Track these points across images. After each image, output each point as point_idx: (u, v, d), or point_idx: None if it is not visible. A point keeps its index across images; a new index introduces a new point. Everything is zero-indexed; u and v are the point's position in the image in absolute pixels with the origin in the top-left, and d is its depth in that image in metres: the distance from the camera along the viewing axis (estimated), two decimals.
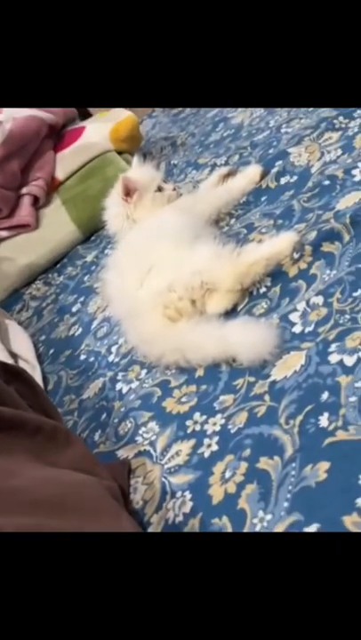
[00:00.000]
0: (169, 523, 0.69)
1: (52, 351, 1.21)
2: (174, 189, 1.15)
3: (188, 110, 1.92)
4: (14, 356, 1.18)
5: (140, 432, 0.83)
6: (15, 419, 0.72)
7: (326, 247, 0.84)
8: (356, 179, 0.93)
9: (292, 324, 0.78)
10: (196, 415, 0.78)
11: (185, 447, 0.75)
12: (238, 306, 0.88)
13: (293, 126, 1.22)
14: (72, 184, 1.60)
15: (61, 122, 1.70)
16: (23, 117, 1.55)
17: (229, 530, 0.62)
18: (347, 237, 0.83)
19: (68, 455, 0.74)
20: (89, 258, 1.47)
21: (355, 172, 0.94)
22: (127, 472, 0.78)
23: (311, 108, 1.23)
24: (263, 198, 1.08)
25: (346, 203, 0.89)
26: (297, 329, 0.77)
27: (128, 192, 1.10)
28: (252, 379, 0.76)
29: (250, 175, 1.13)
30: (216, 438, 0.73)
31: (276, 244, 0.86)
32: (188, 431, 0.77)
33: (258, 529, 0.60)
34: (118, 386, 0.95)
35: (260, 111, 1.44)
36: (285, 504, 0.60)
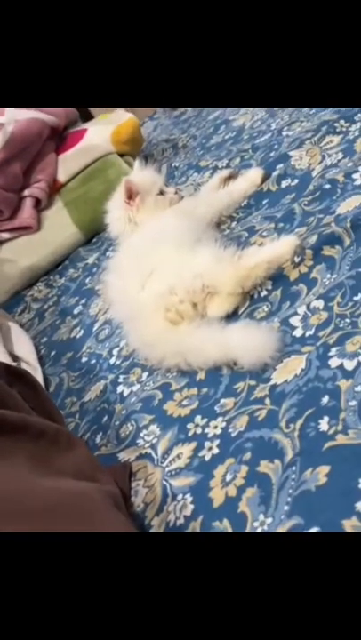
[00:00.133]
0: (170, 525, 0.69)
1: (53, 353, 1.21)
2: (176, 193, 1.15)
3: (189, 112, 1.91)
4: (16, 358, 1.18)
5: (142, 435, 0.83)
6: (18, 422, 0.72)
7: (327, 251, 0.84)
8: (357, 182, 0.93)
9: (293, 328, 0.78)
10: (197, 418, 0.78)
11: (186, 450, 0.76)
12: (239, 309, 0.88)
13: (295, 129, 1.23)
14: (74, 186, 1.61)
15: (63, 124, 1.71)
16: (25, 119, 1.55)
17: None
18: (347, 241, 0.83)
19: (70, 459, 0.74)
20: (90, 260, 1.48)
21: (355, 175, 0.94)
22: (128, 475, 0.78)
23: (313, 112, 1.23)
24: (264, 201, 1.08)
25: (347, 206, 0.89)
26: (298, 333, 0.77)
27: (130, 195, 1.11)
28: (252, 382, 0.76)
29: (251, 178, 1.13)
30: (217, 441, 0.73)
31: (277, 248, 0.87)
32: (189, 434, 0.77)
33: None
34: (120, 388, 0.95)
35: (261, 114, 1.45)
36: (286, 507, 0.60)
